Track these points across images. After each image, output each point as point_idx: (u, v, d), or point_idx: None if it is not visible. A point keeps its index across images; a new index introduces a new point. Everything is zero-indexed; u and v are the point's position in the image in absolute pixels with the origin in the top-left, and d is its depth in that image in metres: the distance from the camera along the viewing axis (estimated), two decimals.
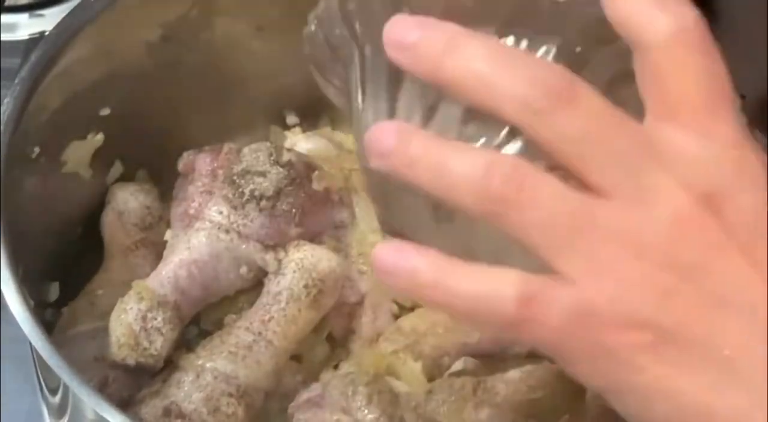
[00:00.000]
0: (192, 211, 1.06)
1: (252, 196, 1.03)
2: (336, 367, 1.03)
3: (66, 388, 0.94)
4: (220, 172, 1.07)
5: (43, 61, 1.02)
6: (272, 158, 1.06)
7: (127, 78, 1.09)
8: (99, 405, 0.88)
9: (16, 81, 1.00)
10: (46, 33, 1.04)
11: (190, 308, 1.03)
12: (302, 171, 1.06)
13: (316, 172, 1.07)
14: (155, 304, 1.00)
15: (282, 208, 1.04)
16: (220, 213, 1.04)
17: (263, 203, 1.03)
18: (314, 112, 1.24)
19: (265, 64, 1.18)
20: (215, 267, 1.04)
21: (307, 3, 1.15)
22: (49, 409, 1.06)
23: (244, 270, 1.04)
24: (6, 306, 0.92)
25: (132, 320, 1.00)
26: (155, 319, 1.00)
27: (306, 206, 1.05)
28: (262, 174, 1.04)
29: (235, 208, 1.04)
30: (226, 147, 1.08)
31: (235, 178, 1.05)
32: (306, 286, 1.01)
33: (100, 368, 1.00)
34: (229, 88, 1.18)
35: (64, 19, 1.04)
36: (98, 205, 1.12)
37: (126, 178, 1.14)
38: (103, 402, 0.88)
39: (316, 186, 1.06)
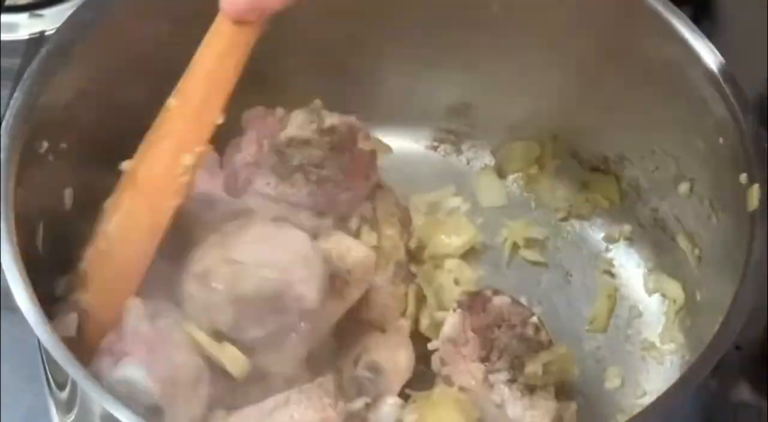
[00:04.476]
0: (240, 185, 1.06)
1: (299, 164, 1.03)
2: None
3: (74, 384, 0.94)
4: (265, 141, 1.06)
5: (53, 55, 1.02)
6: (315, 125, 1.05)
7: (135, 73, 1.09)
8: (107, 400, 0.88)
9: (26, 75, 1.00)
10: (51, 31, 1.04)
11: None
12: (345, 134, 1.06)
13: (362, 132, 1.06)
14: None
15: (329, 174, 1.03)
16: (268, 184, 1.04)
17: (310, 171, 1.03)
18: None
19: None
20: None
21: (307, 2, 1.16)
22: (56, 405, 1.06)
23: None
24: (7, 305, 0.92)
25: None
26: None
27: (351, 168, 1.04)
28: (307, 142, 1.04)
29: (282, 178, 1.03)
30: (280, 111, 1.08)
31: (281, 147, 1.04)
32: (332, 277, 1.00)
33: None
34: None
35: (74, 13, 1.04)
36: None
37: None
38: (110, 396, 0.88)
39: (362, 145, 1.05)
